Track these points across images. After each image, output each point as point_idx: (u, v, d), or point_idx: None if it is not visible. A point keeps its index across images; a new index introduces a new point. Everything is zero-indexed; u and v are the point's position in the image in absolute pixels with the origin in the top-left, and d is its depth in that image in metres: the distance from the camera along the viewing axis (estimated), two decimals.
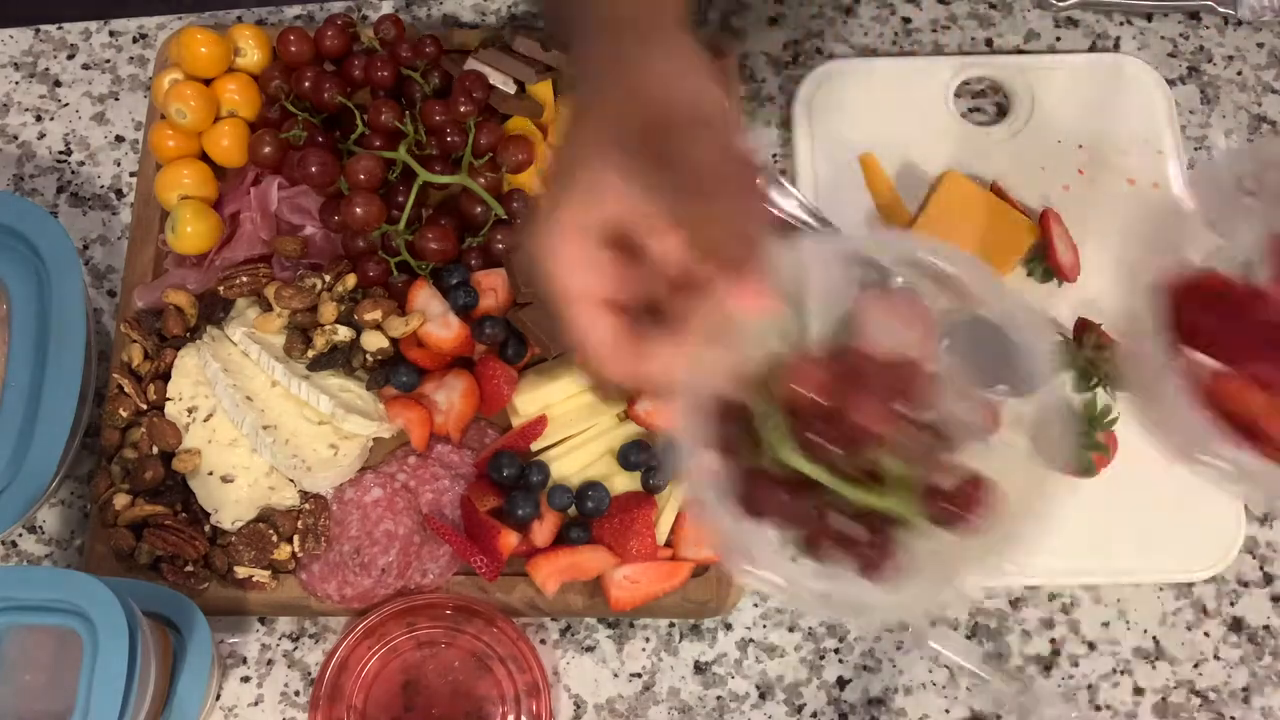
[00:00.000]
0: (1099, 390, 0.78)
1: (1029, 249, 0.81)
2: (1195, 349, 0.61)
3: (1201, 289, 0.62)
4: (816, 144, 0.85)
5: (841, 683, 0.75)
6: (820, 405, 0.54)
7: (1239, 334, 0.61)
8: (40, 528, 0.78)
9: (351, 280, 0.77)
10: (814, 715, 0.74)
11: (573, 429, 0.76)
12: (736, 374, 0.57)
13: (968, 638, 0.76)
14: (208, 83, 0.81)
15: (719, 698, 0.74)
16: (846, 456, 0.54)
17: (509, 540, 0.72)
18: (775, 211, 0.83)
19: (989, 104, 0.88)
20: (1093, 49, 0.90)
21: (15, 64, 0.88)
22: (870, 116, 0.86)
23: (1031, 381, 0.65)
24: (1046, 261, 0.80)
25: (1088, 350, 0.78)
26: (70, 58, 0.89)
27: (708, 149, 0.52)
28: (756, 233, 0.51)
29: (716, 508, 0.53)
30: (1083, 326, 0.79)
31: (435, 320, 0.76)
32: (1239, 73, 0.89)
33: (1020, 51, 0.89)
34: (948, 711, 0.74)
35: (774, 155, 0.86)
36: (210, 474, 0.74)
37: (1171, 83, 0.88)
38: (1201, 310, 0.62)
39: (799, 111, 0.86)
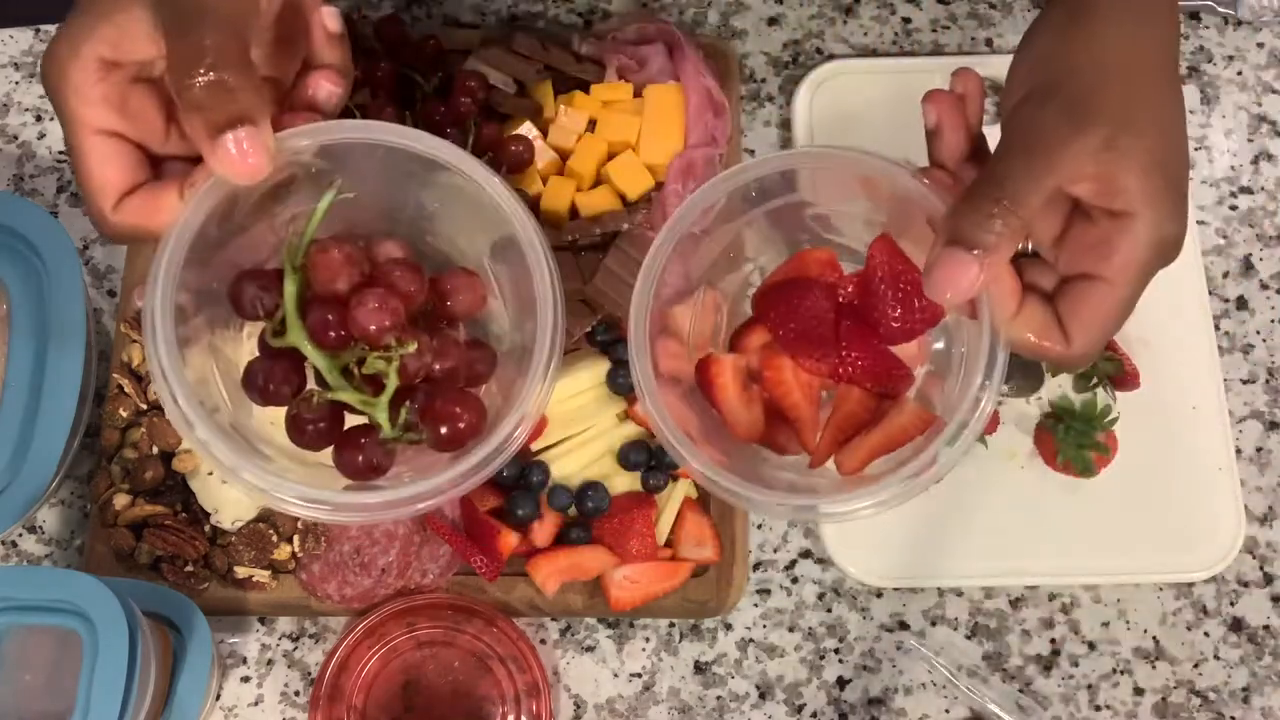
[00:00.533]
0: (1099, 390, 0.78)
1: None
2: (768, 331, 0.63)
3: (797, 272, 0.64)
4: (816, 144, 0.85)
5: (841, 683, 0.75)
6: (334, 290, 0.52)
7: (795, 320, 0.62)
8: (40, 528, 0.78)
9: None
10: (814, 715, 0.74)
11: (573, 429, 0.76)
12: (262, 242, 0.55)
13: (968, 638, 0.76)
14: None
15: (719, 698, 0.74)
16: (341, 343, 0.52)
17: (509, 540, 0.72)
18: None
19: (989, 104, 0.88)
20: None
21: (15, 64, 0.88)
22: (870, 116, 0.86)
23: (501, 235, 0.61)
24: None
25: None
26: None
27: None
28: (244, 92, 0.48)
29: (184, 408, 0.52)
30: None
31: None
32: (1239, 73, 0.89)
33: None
34: (948, 711, 0.74)
35: None
36: (210, 474, 0.74)
37: None
38: (777, 294, 0.63)
39: (799, 111, 0.86)
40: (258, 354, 0.56)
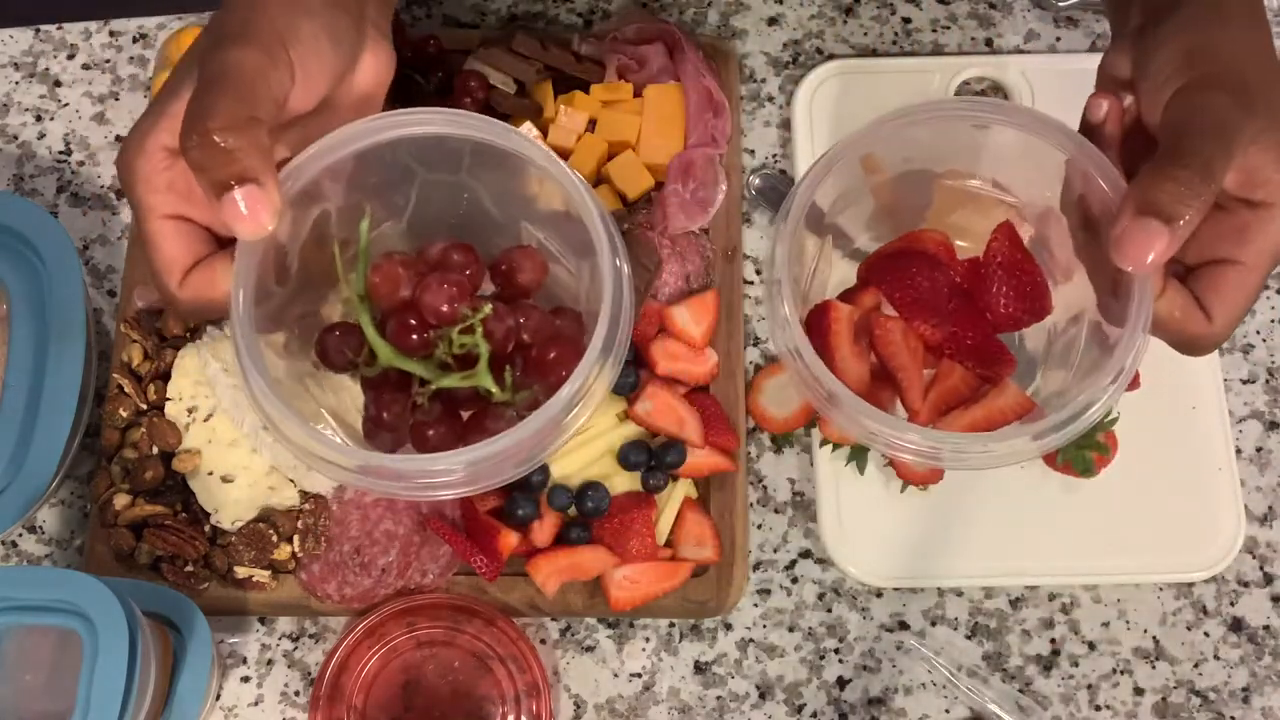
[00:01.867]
0: None
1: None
2: (880, 291, 0.66)
3: (912, 246, 0.68)
4: (816, 144, 0.85)
5: (841, 683, 0.75)
6: (401, 299, 0.55)
7: (913, 286, 0.65)
8: (40, 528, 0.78)
9: None
10: (814, 715, 0.74)
11: None
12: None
13: (967, 638, 0.76)
14: None
15: (719, 698, 0.74)
16: (427, 340, 0.55)
17: (509, 540, 0.72)
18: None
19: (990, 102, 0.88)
20: (1093, 49, 0.90)
21: (15, 64, 0.88)
22: (870, 117, 0.86)
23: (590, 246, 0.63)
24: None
25: None
26: (70, 58, 0.89)
27: (219, 67, 0.51)
28: (244, 152, 0.50)
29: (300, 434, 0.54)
30: None
31: None
32: None
33: (1020, 51, 0.89)
34: (948, 711, 0.74)
35: (774, 155, 0.86)
36: (210, 474, 0.74)
37: None
38: (892, 262, 0.67)
39: (799, 111, 0.86)
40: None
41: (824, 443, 0.77)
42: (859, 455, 0.77)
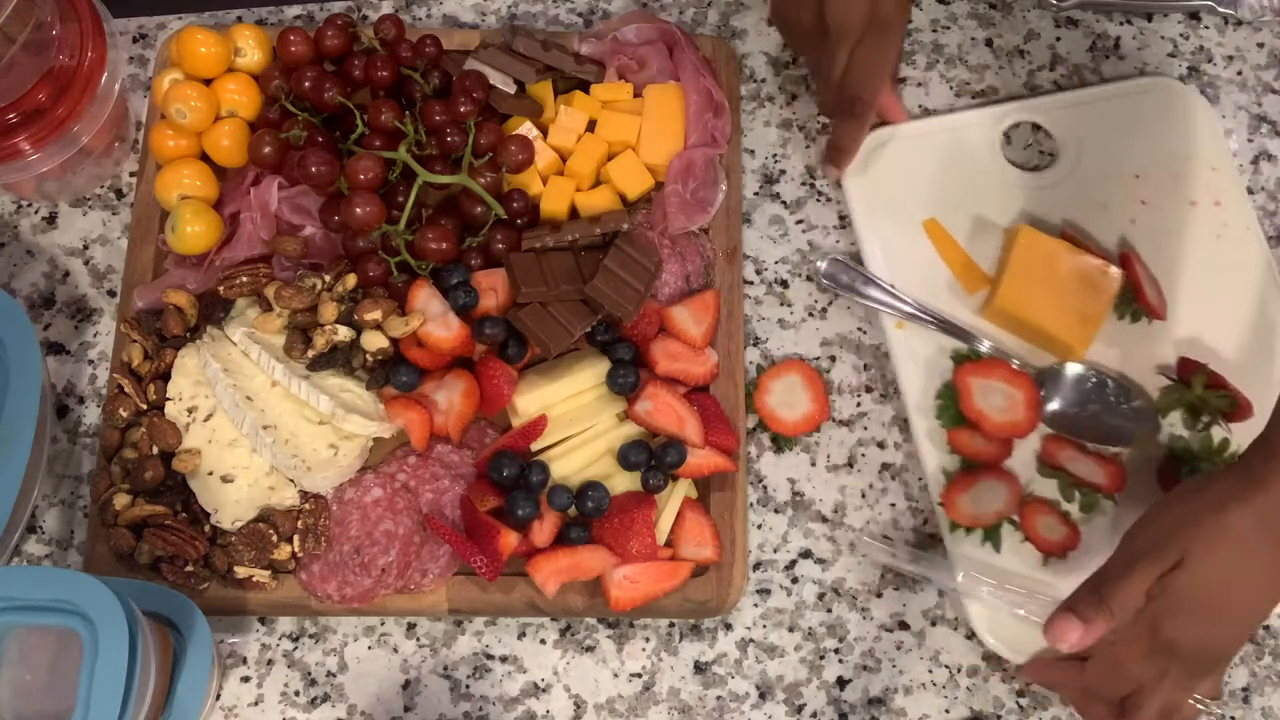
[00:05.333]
0: (1213, 427, 0.77)
1: (1116, 293, 0.78)
2: None
3: None
4: (876, 218, 0.82)
5: (841, 683, 0.75)
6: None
7: None
8: (40, 528, 0.78)
9: (351, 280, 0.77)
10: (814, 715, 0.74)
11: (573, 429, 0.76)
12: None
13: (967, 638, 0.76)
14: (208, 83, 0.81)
15: (719, 698, 0.74)
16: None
17: (509, 540, 0.72)
18: (862, 301, 0.81)
19: (1036, 150, 0.86)
20: (1093, 49, 0.90)
21: None
22: (924, 180, 0.83)
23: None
24: (1136, 303, 0.79)
25: (1197, 389, 0.76)
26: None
27: None
28: None
29: None
30: (1190, 367, 0.77)
31: (435, 320, 0.76)
32: (1239, 73, 0.89)
33: (1020, 52, 0.89)
34: (948, 711, 0.74)
35: (774, 155, 0.86)
36: (210, 474, 0.74)
37: None
38: None
39: (853, 186, 0.83)
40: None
41: (954, 527, 0.75)
42: (993, 535, 0.75)
